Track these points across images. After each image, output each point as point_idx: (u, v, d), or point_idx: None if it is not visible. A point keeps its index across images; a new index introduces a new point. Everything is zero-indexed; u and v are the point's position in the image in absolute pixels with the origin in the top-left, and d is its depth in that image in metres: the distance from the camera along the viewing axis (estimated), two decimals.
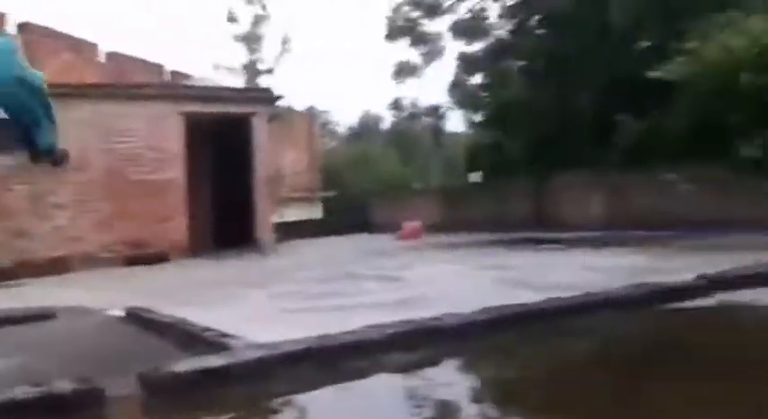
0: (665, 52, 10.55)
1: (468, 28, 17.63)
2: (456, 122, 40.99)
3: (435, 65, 21.33)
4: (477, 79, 18.92)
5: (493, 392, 2.91)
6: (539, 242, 10.24)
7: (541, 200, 13.77)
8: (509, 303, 4.12)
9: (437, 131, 26.99)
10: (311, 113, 27.17)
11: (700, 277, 4.82)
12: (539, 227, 13.23)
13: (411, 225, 14.36)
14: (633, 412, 2.44)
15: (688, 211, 10.57)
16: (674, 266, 5.93)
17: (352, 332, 3.56)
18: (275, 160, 19.43)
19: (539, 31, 15.14)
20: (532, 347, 3.58)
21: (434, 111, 26.18)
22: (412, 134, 36.64)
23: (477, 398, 2.77)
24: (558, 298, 4.23)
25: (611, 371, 3.05)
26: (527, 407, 2.68)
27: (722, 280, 4.81)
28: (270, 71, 26.42)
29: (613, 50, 12.62)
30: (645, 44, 12.56)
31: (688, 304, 4.39)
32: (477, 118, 19.66)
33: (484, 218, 15.37)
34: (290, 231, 17.47)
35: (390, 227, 15.72)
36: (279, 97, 13.85)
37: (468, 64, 18.60)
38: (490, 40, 17.38)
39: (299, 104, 31.91)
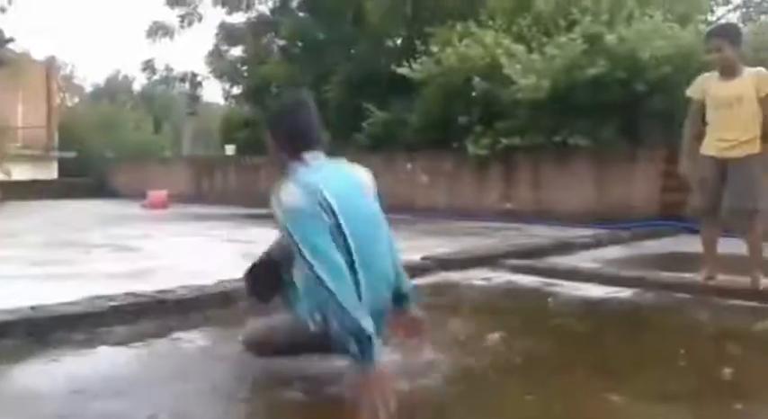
0: (413, 52, 11.39)
1: None
2: (213, 92, 39.91)
3: (194, 30, 20.50)
4: (237, 51, 18.60)
5: (227, 367, 2.92)
6: None
7: None
8: None
9: (192, 99, 25.96)
10: (51, 64, 24.40)
11: (424, 258, 5.34)
12: None
13: (157, 194, 13.73)
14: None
15: (423, 197, 11.58)
16: (406, 246, 6.47)
17: (75, 303, 3.36)
18: (2, 110, 17.22)
19: (300, 13, 15.32)
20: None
21: (191, 78, 25.17)
22: (165, 99, 34.84)
23: (199, 373, 2.76)
24: None
25: None
26: (262, 383, 2.74)
27: (446, 261, 5.36)
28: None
29: (368, 43, 13.27)
30: (395, 42, 13.50)
31: (415, 281, 4.81)
32: (235, 90, 19.37)
33: (236, 192, 15.26)
34: (18, 191, 15.71)
35: (135, 195, 14.88)
36: (8, 40, 12.26)
37: (228, 34, 18.19)
38: (253, 13, 17.18)
39: (38, 53, 28.57)
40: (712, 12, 12.85)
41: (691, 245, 7.41)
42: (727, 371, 2.72)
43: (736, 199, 4.20)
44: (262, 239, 7.19)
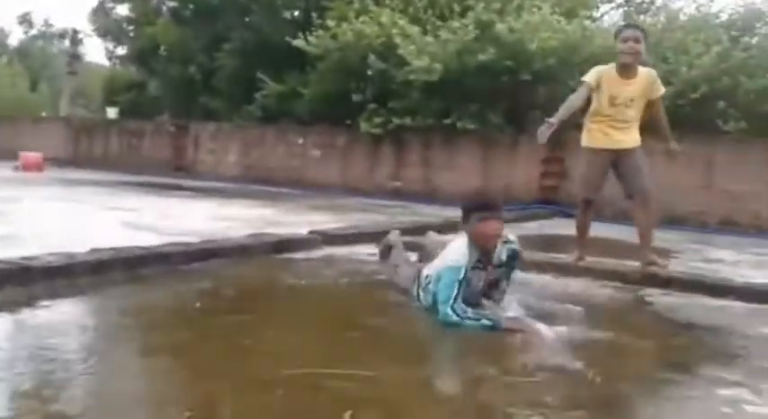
0: (310, 25, 11.27)
1: None
2: (96, 52, 37.72)
3: None
4: (123, 10, 17.66)
5: (95, 337, 2.84)
6: (172, 188, 10.16)
7: (181, 146, 13.58)
8: (130, 245, 4.06)
9: (73, 58, 24.43)
10: None
11: (311, 232, 5.37)
12: (175, 172, 13.06)
13: (31, 155, 12.87)
14: (241, 350, 2.63)
15: (314, 173, 11.57)
16: (295, 220, 6.50)
17: None
18: None
19: None
20: (143, 290, 3.60)
21: (72, 36, 23.70)
22: (43, 56, 32.55)
23: (74, 345, 2.68)
24: (177, 243, 4.31)
25: (218, 313, 3.24)
26: (136, 350, 2.70)
27: (332, 236, 5.42)
28: None
29: (264, 12, 12.98)
30: (292, 14, 13.31)
31: (300, 255, 4.85)
32: (120, 51, 18.42)
33: (118, 158, 14.59)
34: None
35: (6, 156, 13.87)
36: None
37: None
38: None
39: None
40: (597, 8, 13.56)
41: (564, 227, 7.89)
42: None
43: (638, 184, 4.49)
44: (143, 207, 7.01)
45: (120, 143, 14.90)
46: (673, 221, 7.90)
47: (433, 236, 4.49)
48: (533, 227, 7.81)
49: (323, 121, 11.58)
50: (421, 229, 6.33)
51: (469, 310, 3.08)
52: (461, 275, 3.12)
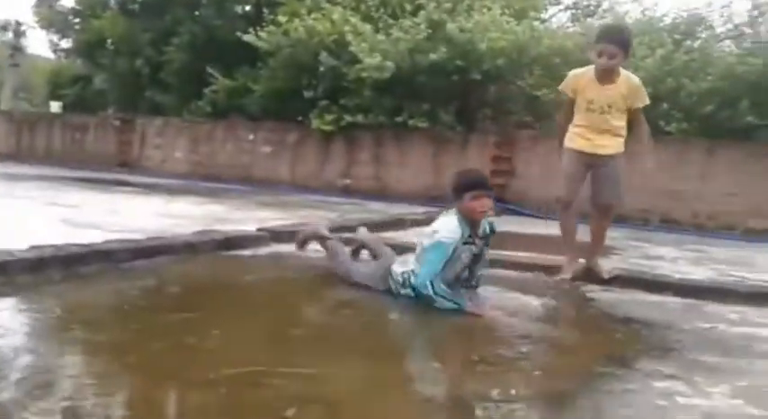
0: (261, 20, 11.15)
1: None
2: (39, 44, 36.61)
3: None
4: (68, 1, 17.14)
5: (32, 336, 2.76)
6: (117, 184, 9.93)
7: (126, 141, 13.28)
8: (71, 242, 3.95)
9: (15, 50, 23.59)
10: None
11: (259, 229, 5.32)
12: (122, 168, 12.78)
13: None
14: (184, 348, 2.59)
15: (264, 169, 11.47)
16: (243, 217, 6.43)
17: None
18: None
19: None
20: (83, 288, 3.51)
21: (14, 27, 22.93)
22: None
23: (9, 345, 2.60)
24: (120, 240, 4.22)
25: (161, 311, 3.19)
26: (74, 349, 2.63)
27: (280, 233, 5.37)
28: None
29: (214, 6, 12.80)
30: (243, 8, 13.15)
31: (247, 252, 4.80)
32: (65, 44, 17.89)
33: (63, 153, 14.18)
34: None
35: None
36: None
37: None
38: None
39: None
40: (545, 10, 13.78)
41: (513, 224, 8.00)
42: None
43: (606, 195, 4.42)
44: (86, 203, 6.82)
45: (64, 137, 14.49)
46: (617, 219, 8.07)
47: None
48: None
49: (274, 118, 11.49)
50: (371, 227, 6.36)
51: (445, 289, 3.36)
52: (450, 252, 3.41)
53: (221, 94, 12.04)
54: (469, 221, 3.52)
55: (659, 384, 2.50)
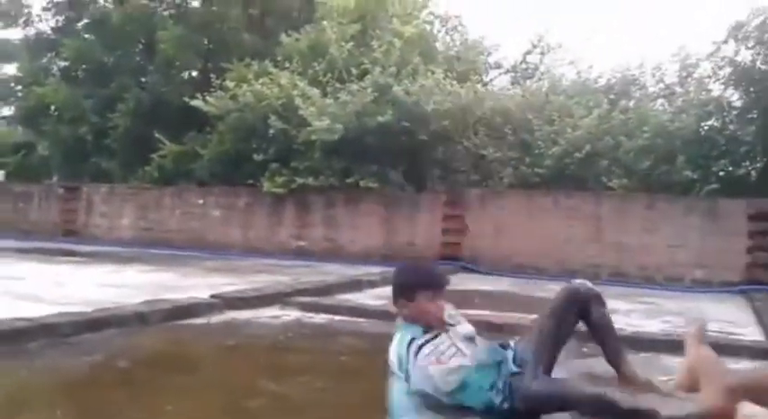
0: (209, 85, 11.22)
1: (6, 12, 15.75)
2: None
3: None
4: (11, 69, 16.96)
5: None
6: (62, 253, 9.63)
7: (71, 209, 12.95)
8: (13, 317, 3.79)
9: None
10: None
11: (213, 296, 5.21)
12: (67, 237, 12.41)
13: None
14: None
15: (215, 234, 11.31)
16: (194, 284, 6.29)
17: None
18: None
19: (86, 35, 14.37)
20: (24, 366, 3.34)
21: None
22: None
23: None
24: (65, 313, 4.07)
25: (110, 387, 3.06)
26: None
27: (234, 299, 5.28)
28: None
29: (159, 72, 12.84)
30: (190, 74, 13.24)
31: (200, 321, 4.68)
32: (6, 111, 17.59)
33: (5, 223, 13.69)
34: None
35: None
36: None
37: (1, 51, 16.56)
38: (31, 30, 15.77)
39: None
40: (486, 73, 14.27)
41: (468, 282, 8.05)
42: None
43: None
44: (29, 275, 6.58)
45: (6, 207, 14.05)
46: (567, 272, 8.22)
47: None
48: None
49: (223, 182, 11.42)
50: (327, 289, 6.32)
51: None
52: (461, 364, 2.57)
53: (169, 160, 11.94)
54: (424, 326, 2.67)
55: None
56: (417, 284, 2.74)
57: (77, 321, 3.97)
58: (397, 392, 2.59)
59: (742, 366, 3.96)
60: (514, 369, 2.65)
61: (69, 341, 3.77)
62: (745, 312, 6.42)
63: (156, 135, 11.78)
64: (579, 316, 2.88)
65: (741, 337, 4.92)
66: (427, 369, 2.52)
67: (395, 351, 2.63)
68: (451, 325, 2.75)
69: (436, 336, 2.64)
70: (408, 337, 2.62)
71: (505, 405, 2.55)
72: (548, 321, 2.82)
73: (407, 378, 2.54)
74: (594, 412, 2.51)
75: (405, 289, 2.74)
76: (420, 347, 2.58)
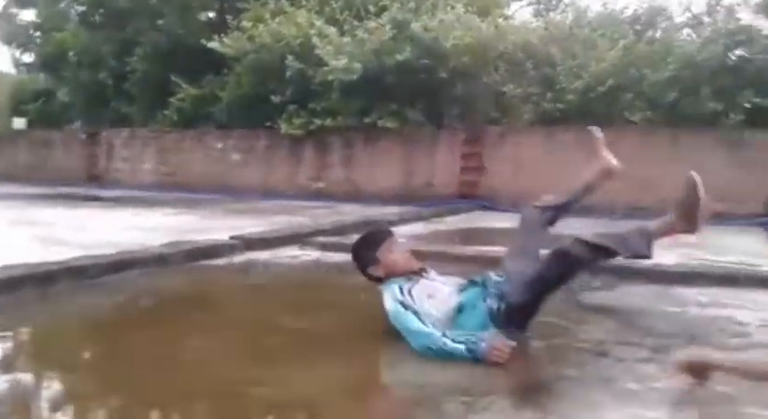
0: (225, 26, 11.09)
1: None
2: (1, 60, 35.92)
3: None
4: (29, 15, 16.88)
5: (16, 353, 2.72)
6: (86, 198, 9.80)
7: (93, 154, 13.11)
8: (42, 261, 3.89)
9: None
10: None
11: (233, 237, 5.29)
12: (90, 182, 12.61)
13: None
14: (160, 362, 2.57)
15: (236, 177, 11.40)
16: (216, 226, 6.39)
17: None
18: None
19: None
20: (55, 306, 3.46)
21: None
22: None
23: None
24: (91, 256, 4.16)
25: (134, 326, 3.16)
26: (47, 369, 2.60)
27: (254, 240, 5.35)
28: None
29: (175, 14, 12.70)
30: (207, 15, 13.06)
31: (221, 261, 4.77)
32: (27, 58, 17.61)
33: (29, 170, 13.96)
34: None
35: None
36: None
37: None
38: None
39: None
40: (508, 6, 13.90)
41: (484, 220, 8.07)
42: None
43: None
44: (55, 221, 6.72)
45: (30, 154, 14.26)
46: (584, 208, 8.14)
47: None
48: (455, 221, 7.96)
49: (242, 125, 11.43)
50: (345, 229, 6.38)
51: (446, 339, 2.59)
52: (406, 306, 2.73)
53: (188, 103, 11.94)
54: (401, 274, 2.88)
55: (634, 368, 2.54)
56: (370, 246, 2.98)
57: (102, 263, 4.07)
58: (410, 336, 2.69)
59: (760, 297, 3.95)
60: (498, 278, 2.89)
61: (95, 282, 3.87)
62: (766, 244, 6.38)
63: (174, 78, 11.76)
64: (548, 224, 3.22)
65: (759, 267, 4.90)
66: (423, 307, 2.73)
67: (390, 306, 2.77)
68: (425, 271, 3.00)
69: (418, 281, 2.87)
70: (395, 287, 2.82)
71: (503, 306, 2.75)
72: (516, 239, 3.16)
73: (415, 313, 2.71)
74: (572, 275, 2.83)
75: (364, 257, 2.98)
76: (410, 291, 2.79)
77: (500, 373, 2.47)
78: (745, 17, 9.57)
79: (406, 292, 2.79)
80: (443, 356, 2.55)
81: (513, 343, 2.57)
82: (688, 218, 2.84)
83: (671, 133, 8.77)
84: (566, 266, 2.76)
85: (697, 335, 3.03)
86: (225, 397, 2.20)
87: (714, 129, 8.63)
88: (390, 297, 2.79)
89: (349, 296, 3.93)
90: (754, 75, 8.92)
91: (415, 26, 9.61)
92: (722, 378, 2.42)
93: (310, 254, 5.23)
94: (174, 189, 11.39)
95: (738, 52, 9.16)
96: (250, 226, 6.31)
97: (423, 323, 2.66)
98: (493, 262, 4.73)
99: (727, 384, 2.41)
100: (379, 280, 2.98)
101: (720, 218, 8.07)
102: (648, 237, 2.83)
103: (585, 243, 2.71)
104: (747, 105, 8.73)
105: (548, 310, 3.06)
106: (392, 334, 2.79)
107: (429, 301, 2.75)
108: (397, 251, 2.98)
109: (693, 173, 2.78)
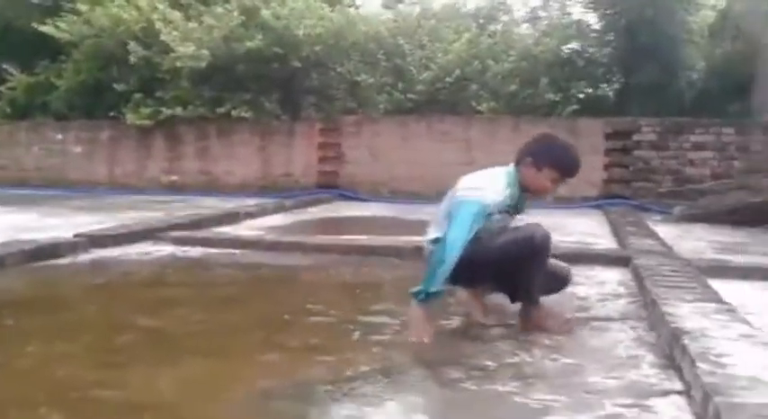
0: (59, 9, 10.31)
1: None
2: None
3: None
4: None
5: None
6: None
7: None
8: None
9: None
10: None
11: (77, 235, 4.96)
12: None
13: None
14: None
15: (78, 171, 10.66)
16: (58, 224, 5.95)
17: None
18: None
19: None
20: None
21: None
22: None
23: None
24: None
25: None
26: None
27: (101, 237, 5.05)
28: None
29: None
30: None
31: (65, 261, 4.46)
32: None
33: None
34: None
35: None
36: None
37: None
38: None
39: None
40: None
41: (345, 210, 8.16)
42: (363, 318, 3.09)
43: None
44: None
45: None
46: (441, 196, 8.47)
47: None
48: (316, 212, 7.97)
49: (83, 115, 10.69)
50: (202, 223, 6.18)
51: (444, 272, 2.71)
52: (483, 218, 2.81)
53: (20, 92, 11.00)
54: (527, 192, 2.99)
55: (489, 347, 2.69)
56: (558, 163, 2.93)
57: None
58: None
59: (599, 273, 4.30)
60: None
61: None
62: (600, 224, 6.95)
63: (4, 66, 10.78)
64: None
65: (596, 246, 5.34)
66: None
67: (480, 198, 2.83)
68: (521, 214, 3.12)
69: (510, 219, 3.03)
70: (504, 181, 2.94)
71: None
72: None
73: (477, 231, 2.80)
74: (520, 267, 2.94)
75: (543, 156, 2.93)
76: (498, 216, 2.91)
77: (368, 357, 2.52)
78: (576, 12, 10.36)
79: (496, 212, 2.87)
80: (435, 266, 2.70)
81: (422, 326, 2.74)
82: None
83: (512, 122, 9.28)
84: (525, 252, 2.85)
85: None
86: (68, 403, 2.06)
87: (551, 117, 9.24)
88: (492, 188, 2.87)
89: (207, 291, 3.83)
90: (586, 66, 9.67)
91: (265, 13, 9.44)
92: (571, 351, 2.62)
93: (163, 250, 5.02)
94: (7, 185, 10.45)
95: (571, 46, 9.90)
96: (96, 222, 5.93)
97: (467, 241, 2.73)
98: (355, 250, 4.82)
99: (575, 357, 2.62)
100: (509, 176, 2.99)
101: (561, 202, 8.71)
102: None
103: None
104: (581, 95, 9.45)
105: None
106: (256, 324, 2.75)
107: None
108: (553, 185, 2.97)
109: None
